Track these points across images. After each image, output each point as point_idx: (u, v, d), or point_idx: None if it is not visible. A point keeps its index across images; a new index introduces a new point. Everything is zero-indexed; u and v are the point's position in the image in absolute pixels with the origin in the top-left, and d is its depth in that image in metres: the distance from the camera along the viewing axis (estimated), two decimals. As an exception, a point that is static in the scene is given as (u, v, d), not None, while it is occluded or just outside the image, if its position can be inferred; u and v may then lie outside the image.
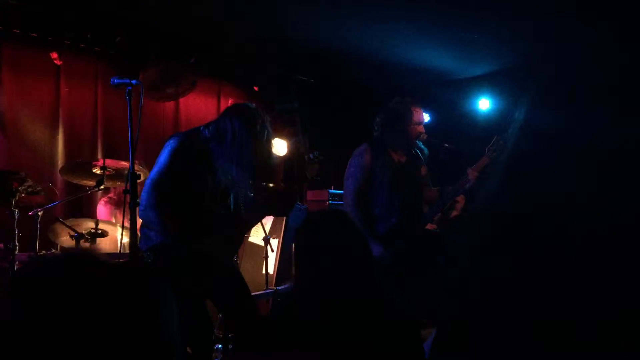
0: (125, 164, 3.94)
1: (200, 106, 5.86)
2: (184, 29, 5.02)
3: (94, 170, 3.86)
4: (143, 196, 2.77)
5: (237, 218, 3.09)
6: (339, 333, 1.70)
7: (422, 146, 3.95)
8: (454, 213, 4.05)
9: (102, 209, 4.63)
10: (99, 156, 5.02)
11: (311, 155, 3.16)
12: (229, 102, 5.96)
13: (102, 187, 3.81)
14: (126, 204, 2.52)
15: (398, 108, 3.86)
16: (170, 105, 5.61)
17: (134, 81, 2.68)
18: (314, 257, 1.76)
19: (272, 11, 4.63)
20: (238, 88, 6.02)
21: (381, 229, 3.65)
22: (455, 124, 5.77)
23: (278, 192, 3.27)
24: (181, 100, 5.64)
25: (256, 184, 3.08)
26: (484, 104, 5.96)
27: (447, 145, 3.84)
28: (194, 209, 2.89)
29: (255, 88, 6.05)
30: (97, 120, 5.12)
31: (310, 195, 5.92)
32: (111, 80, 2.74)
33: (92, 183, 3.89)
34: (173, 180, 2.83)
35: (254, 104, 3.03)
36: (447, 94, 6.06)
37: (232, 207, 3.05)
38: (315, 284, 1.73)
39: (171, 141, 2.92)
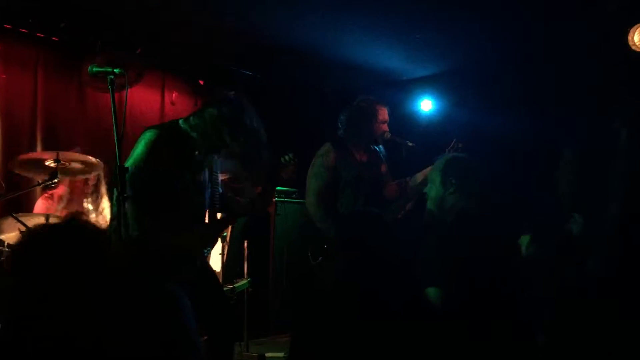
0: (80, 156, 3.77)
1: (143, 98, 5.67)
2: (130, 18, 4.84)
3: (46, 163, 3.65)
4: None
5: (211, 214, 3.04)
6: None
7: (380, 146, 4.02)
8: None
9: (40, 205, 4.38)
10: (38, 147, 4.77)
11: (285, 158, 3.16)
12: (173, 95, 5.82)
13: (56, 180, 3.60)
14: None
15: (363, 107, 3.92)
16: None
17: (116, 70, 2.55)
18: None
19: (222, 3, 4.56)
20: (183, 81, 5.87)
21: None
22: (398, 124, 5.89)
23: (257, 192, 3.25)
24: (123, 92, 5.42)
25: (235, 182, 3.04)
26: (426, 105, 6.12)
27: (410, 143, 3.93)
28: (171, 203, 2.81)
29: (201, 82, 5.93)
30: (36, 109, 4.84)
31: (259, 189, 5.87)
32: (89, 68, 2.61)
33: (42, 177, 3.68)
34: (149, 173, 2.73)
35: (241, 96, 2.98)
36: (391, 95, 6.17)
37: (207, 203, 3.00)
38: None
39: (147, 134, 2.82)
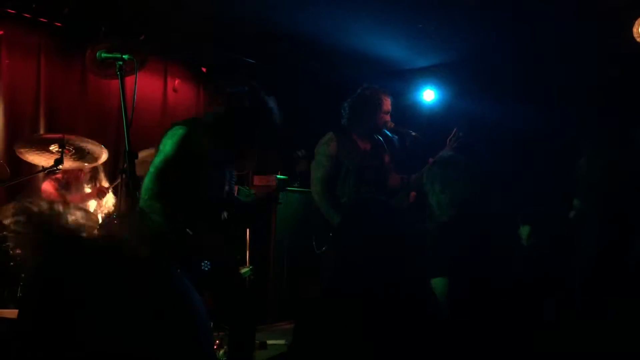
0: (87, 141, 3.78)
1: (145, 85, 5.66)
2: (133, 4, 4.84)
3: (50, 148, 3.65)
4: (147, 185, 2.66)
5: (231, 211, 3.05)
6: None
7: (390, 134, 4.02)
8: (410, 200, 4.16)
9: (46, 187, 4.39)
10: (41, 132, 4.77)
11: (299, 153, 3.18)
12: (176, 82, 5.82)
13: (61, 166, 3.61)
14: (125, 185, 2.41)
15: (367, 95, 3.91)
16: (116, 83, 5.36)
17: (125, 56, 2.55)
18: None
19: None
20: (185, 69, 5.87)
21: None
22: (401, 114, 5.90)
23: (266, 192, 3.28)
24: (127, 78, 5.42)
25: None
26: (429, 95, 6.12)
27: (414, 133, 3.93)
28: (198, 200, 2.82)
29: (204, 69, 5.92)
30: (39, 95, 4.83)
31: (257, 180, 5.88)
32: (97, 53, 2.61)
33: (47, 162, 3.68)
34: (178, 170, 2.73)
35: (263, 89, 2.98)
36: (394, 85, 6.18)
37: (228, 199, 3.01)
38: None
39: (178, 130, 2.80)
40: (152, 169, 2.73)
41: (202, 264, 2.38)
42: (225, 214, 2.98)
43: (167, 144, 2.75)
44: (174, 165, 2.71)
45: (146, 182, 2.68)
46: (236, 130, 2.85)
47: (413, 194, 3.99)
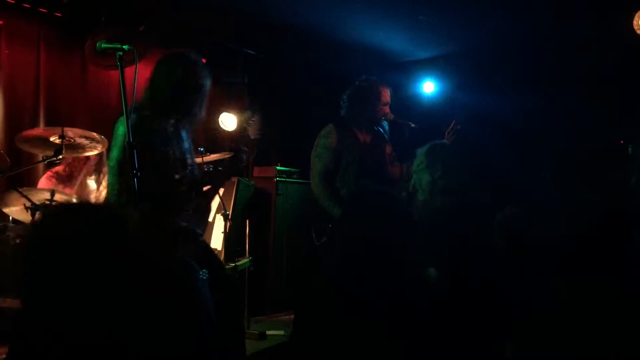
0: (85, 132, 3.78)
1: (143, 76, 5.64)
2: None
3: (51, 139, 3.66)
4: (111, 181, 2.66)
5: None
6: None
7: (385, 125, 4.03)
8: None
9: (44, 183, 4.39)
10: (41, 123, 4.76)
11: (246, 116, 3.17)
12: (175, 73, 5.79)
13: (61, 157, 3.62)
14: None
15: (365, 87, 3.91)
16: (116, 73, 5.35)
17: (125, 46, 2.55)
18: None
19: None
20: (185, 59, 5.84)
21: (349, 208, 3.71)
22: (400, 106, 5.90)
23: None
24: (127, 69, 5.41)
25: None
26: (429, 86, 6.12)
27: (413, 125, 3.94)
28: (167, 181, 2.81)
29: (204, 60, 5.89)
30: (39, 85, 4.81)
31: (257, 171, 5.90)
32: (97, 44, 2.60)
33: (47, 153, 3.69)
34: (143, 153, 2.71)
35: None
36: (393, 76, 6.17)
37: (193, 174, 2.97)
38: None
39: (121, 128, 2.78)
40: (111, 163, 2.70)
41: (201, 272, 2.36)
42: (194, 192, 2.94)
43: (120, 135, 2.72)
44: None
45: (109, 177, 2.66)
46: (167, 95, 2.81)
47: None
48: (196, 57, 2.96)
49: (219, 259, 3.24)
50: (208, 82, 2.95)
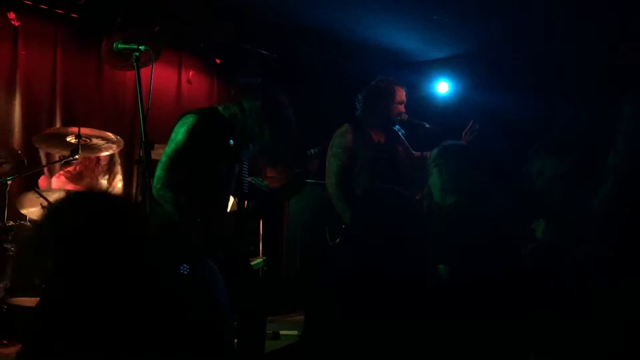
0: (101, 133, 3.81)
1: (159, 77, 5.69)
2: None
3: (67, 139, 3.69)
4: (159, 174, 2.66)
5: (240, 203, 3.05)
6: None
7: (398, 127, 4.02)
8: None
9: (55, 182, 4.42)
10: (58, 123, 4.81)
11: (312, 151, 3.19)
12: (190, 74, 5.83)
13: (77, 156, 3.65)
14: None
15: (381, 87, 3.90)
16: (131, 74, 5.41)
17: (142, 47, 2.56)
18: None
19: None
20: (199, 60, 5.88)
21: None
22: (415, 106, 5.89)
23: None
24: (143, 70, 5.45)
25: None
26: (443, 87, 6.10)
27: (427, 125, 3.92)
28: (209, 191, 2.83)
29: (217, 61, 5.93)
30: (55, 86, 4.87)
31: (270, 172, 5.91)
32: (114, 45, 2.62)
33: (63, 153, 3.73)
34: (190, 159, 2.73)
35: (277, 86, 2.98)
36: (407, 77, 6.15)
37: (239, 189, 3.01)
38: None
39: (189, 118, 2.78)
40: (163, 158, 2.72)
41: (182, 267, 2.36)
42: (235, 203, 2.99)
43: (179, 132, 2.74)
44: (186, 153, 2.70)
45: (158, 171, 2.68)
46: (245, 126, 2.84)
47: None
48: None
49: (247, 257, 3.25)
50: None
